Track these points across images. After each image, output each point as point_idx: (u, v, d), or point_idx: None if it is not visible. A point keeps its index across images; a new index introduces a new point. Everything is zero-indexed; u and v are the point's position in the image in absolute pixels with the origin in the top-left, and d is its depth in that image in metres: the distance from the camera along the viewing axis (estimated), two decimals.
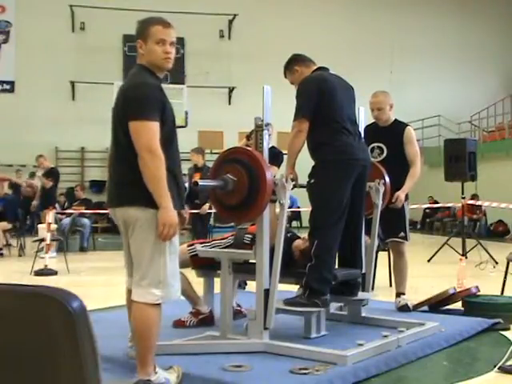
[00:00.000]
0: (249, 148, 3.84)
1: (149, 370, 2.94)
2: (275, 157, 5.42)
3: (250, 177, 3.52)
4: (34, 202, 11.16)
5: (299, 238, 4.32)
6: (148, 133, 2.82)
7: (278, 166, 5.20)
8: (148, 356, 2.94)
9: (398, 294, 5.07)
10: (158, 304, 2.93)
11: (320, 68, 4.20)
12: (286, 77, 4.28)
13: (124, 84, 3.07)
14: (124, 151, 2.92)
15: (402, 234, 5.07)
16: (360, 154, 4.00)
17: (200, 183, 3.97)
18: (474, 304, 4.82)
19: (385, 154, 5.10)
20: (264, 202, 3.53)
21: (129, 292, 3.12)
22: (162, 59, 2.98)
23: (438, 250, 9.14)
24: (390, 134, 5.11)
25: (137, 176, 2.85)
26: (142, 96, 2.86)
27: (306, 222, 3.64)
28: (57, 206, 11.15)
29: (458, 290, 5.17)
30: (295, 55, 4.30)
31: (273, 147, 5.64)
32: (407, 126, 5.18)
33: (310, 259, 3.80)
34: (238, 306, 4.54)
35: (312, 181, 3.94)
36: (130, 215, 2.91)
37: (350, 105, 4.12)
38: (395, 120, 5.21)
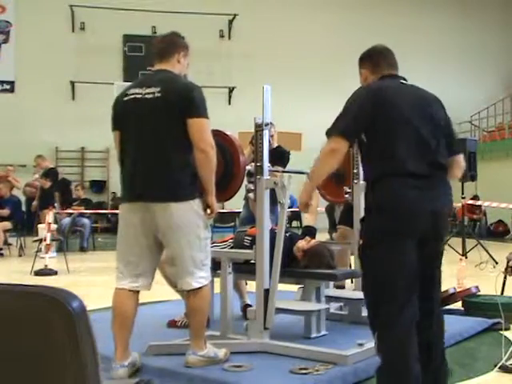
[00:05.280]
0: (224, 131, 3.81)
1: (201, 344, 3.30)
2: (281, 156, 5.41)
3: (225, 159, 3.61)
4: (34, 203, 11.15)
5: (301, 238, 4.22)
6: (209, 131, 3.18)
7: (284, 166, 5.18)
8: (202, 330, 3.31)
9: None
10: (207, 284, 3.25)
11: (387, 76, 2.98)
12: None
13: (175, 82, 3.24)
14: (174, 144, 3.13)
15: None
16: (426, 206, 2.56)
17: None
18: (473, 304, 4.82)
19: None
20: (237, 185, 3.64)
21: (128, 293, 3.24)
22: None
23: None
24: None
25: (185, 171, 3.12)
26: (203, 97, 3.22)
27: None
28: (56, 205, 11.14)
29: (458, 290, 5.17)
30: (368, 52, 3.09)
31: (279, 147, 5.63)
32: None
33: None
34: (249, 305, 4.39)
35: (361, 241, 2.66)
36: (178, 209, 3.09)
37: (423, 131, 2.67)
38: None
